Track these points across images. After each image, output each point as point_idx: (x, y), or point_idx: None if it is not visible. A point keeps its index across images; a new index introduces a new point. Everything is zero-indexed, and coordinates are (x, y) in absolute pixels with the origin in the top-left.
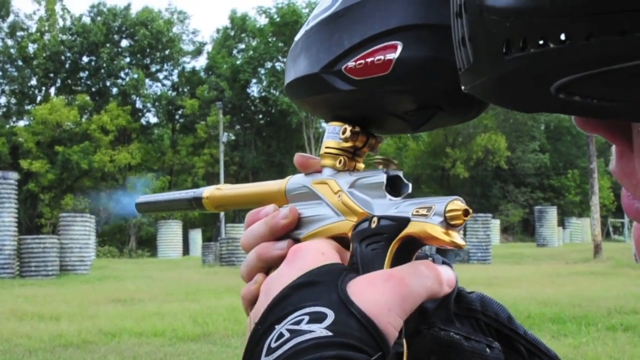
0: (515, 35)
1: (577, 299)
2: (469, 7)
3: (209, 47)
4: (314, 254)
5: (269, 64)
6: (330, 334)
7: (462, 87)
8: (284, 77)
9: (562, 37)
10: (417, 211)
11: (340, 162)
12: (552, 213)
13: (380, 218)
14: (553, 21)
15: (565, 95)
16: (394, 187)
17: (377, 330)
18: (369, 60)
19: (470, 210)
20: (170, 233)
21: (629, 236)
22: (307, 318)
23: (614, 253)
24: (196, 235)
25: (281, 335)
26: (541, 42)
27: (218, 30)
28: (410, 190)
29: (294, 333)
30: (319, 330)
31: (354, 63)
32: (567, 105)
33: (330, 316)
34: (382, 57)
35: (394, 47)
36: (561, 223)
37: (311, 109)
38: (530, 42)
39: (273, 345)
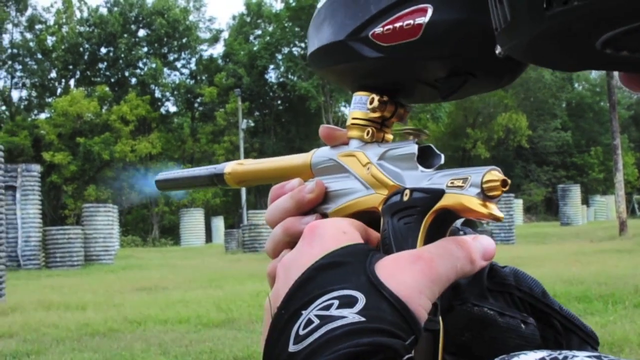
0: None
1: (603, 277)
2: None
3: (225, 35)
4: (334, 232)
5: (286, 49)
6: (363, 319)
7: (499, 49)
8: (307, 46)
9: None
10: (452, 182)
11: (368, 134)
12: (576, 191)
13: (412, 190)
14: None
15: (612, 50)
16: (425, 158)
17: (409, 313)
18: (397, 25)
19: (509, 181)
20: (193, 221)
21: None
22: (336, 302)
23: None
24: (218, 223)
25: (310, 321)
26: None
27: (234, 17)
28: (442, 161)
29: (324, 319)
30: (351, 315)
31: (381, 29)
32: (614, 61)
33: (361, 300)
34: (411, 22)
35: (424, 11)
36: (585, 201)
37: (336, 79)
38: None
39: (302, 332)
